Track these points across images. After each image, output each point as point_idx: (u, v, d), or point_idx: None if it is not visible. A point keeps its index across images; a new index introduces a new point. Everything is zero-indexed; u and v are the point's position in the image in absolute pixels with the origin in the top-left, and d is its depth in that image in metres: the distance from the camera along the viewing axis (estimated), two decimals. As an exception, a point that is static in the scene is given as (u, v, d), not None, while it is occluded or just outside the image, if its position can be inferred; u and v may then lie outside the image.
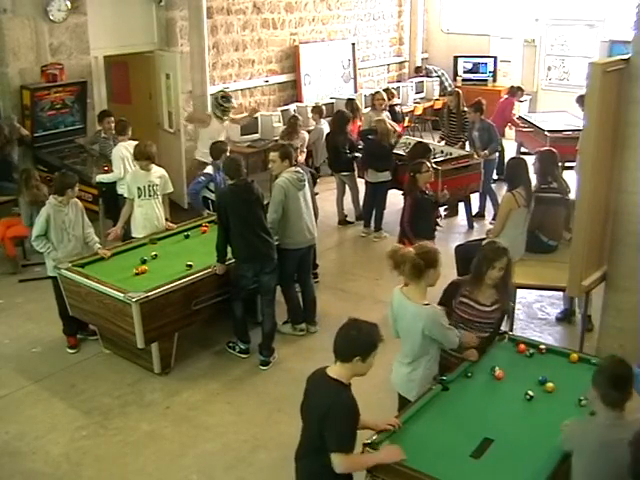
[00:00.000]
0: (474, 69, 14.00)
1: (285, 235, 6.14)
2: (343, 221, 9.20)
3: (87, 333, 6.27)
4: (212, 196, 7.14)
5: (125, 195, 6.59)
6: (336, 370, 3.32)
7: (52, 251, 5.90)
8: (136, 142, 7.93)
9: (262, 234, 5.74)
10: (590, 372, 4.15)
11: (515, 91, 11.18)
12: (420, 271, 4.03)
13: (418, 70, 14.07)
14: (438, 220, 7.34)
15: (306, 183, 6.23)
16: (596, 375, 3.29)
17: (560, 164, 9.70)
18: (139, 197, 6.48)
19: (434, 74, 13.87)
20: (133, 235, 6.66)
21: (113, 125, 8.31)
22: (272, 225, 6.00)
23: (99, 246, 6.17)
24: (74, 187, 5.93)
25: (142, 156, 6.51)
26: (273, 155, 6.15)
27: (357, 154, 8.85)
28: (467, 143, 9.69)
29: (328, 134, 9.38)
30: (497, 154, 9.29)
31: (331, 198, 9.44)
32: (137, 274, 5.84)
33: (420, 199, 6.51)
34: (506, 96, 11.21)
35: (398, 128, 9.06)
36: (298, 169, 6.25)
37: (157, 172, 6.63)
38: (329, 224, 9.05)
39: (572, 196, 6.44)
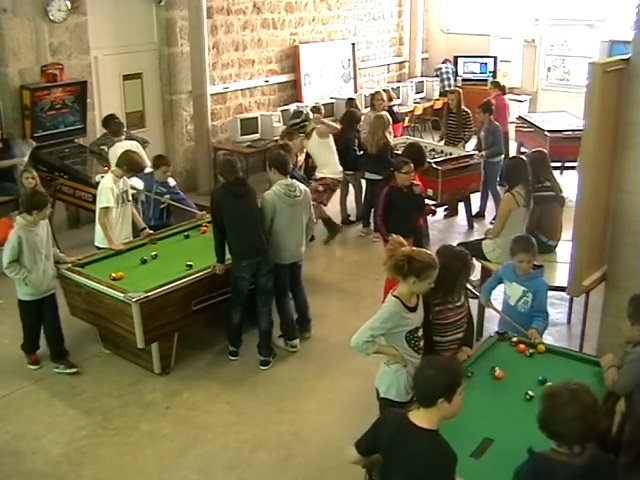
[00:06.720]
0: (474, 69, 13.99)
1: (272, 247, 5.89)
2: (346, 220, 9.18)
3: (66, 365, 5.77)
4: None
5: (104, 205, 6.21)
6: (421, 416, 2.97)
7: (27, 275, 5.48)
8: (130, 142, 7.92)
9: (256, 228, 5.69)
10: (590, 372, 4.21)
11: (500, 87, 10.53)
12: (401, 272, 3.91)
13: (445, 61, 14.02)
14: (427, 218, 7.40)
15: (300, 197, 5.89)
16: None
17: (560, 164, 9.84)
18: (114, 206, 6.28)
19: (444, 69, 13.81)
20: (99, 245, 6.40)
21: None
22: None
23: (61, 255, 5.92)
24: (45, 208, 5.48)
25: (138, 168, 6.40)
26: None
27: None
28: (467, 143, 9.70)
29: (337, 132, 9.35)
30: (502, 157, 9.16)
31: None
32: (114, 279, 5.68)
33: (392, 195, 6.44)
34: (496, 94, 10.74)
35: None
36: (290, 182, 5.92)
37: (125, 179, 6.44)
38: (330, 224, 9.02)
39: (566, 194, 6.46)
